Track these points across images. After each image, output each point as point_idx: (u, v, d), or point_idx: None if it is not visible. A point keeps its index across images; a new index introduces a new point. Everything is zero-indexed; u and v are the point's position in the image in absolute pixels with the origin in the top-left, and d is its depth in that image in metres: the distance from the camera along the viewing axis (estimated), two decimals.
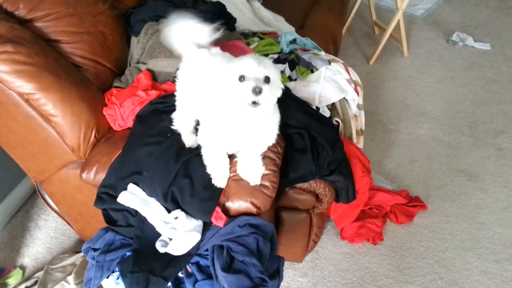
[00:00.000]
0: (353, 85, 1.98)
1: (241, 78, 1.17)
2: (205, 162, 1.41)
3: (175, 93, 1.53)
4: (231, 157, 1.46)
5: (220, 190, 1.42)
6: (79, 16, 1.74)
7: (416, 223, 2.12)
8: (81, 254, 1.96)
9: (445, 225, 2.10)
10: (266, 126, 1.33)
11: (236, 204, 1.43)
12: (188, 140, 1.52)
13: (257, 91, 1.14)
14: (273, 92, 1.20)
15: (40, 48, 1.56)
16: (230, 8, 2.20)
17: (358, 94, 2.00)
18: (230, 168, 1.46)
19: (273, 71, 1.21)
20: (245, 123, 1.28)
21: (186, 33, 1.42)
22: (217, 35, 1.43)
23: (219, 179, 1.41)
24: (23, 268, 2.05)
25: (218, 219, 1.40)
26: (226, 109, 1.26)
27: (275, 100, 1.25)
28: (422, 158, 2.47)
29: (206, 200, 1.39)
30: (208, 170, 1.41)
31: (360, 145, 2.01)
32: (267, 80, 1.18)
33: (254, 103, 1.16)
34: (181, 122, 1.54)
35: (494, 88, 2.97)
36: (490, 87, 2.98)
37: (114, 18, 1.92)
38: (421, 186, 2.30)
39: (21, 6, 1.61)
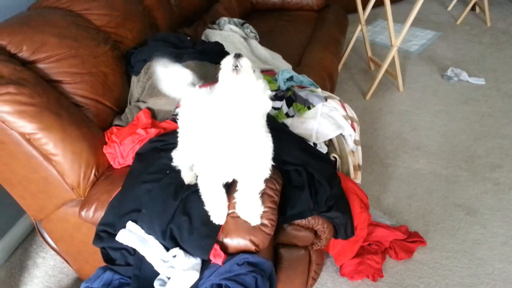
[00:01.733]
0: (349, 121, 2.01)
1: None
2: (203, 198, 1.42)
3: (178, 130, 1.56)
4: (230, 195, 1.47)
5: (218, 227, 1.42)
6: (81, 58, 1.79)
7: (416, 259, 2.11)
8: None
9: (444, 261, 2.09)
10: (258, 149, 1.33)
11: (235, 242, 1.43)
12: (187, 177, 1.54)
13: (237, 55, 1.21)
14: (257, 76, 1.25)
15: (42, 89, 1.60)
16: (228, 47, 2.26)
17: (354, 130, 2.03)
18: (229, 205, 1.46)
19: (260, 77, 1.27)
20: (237, 140, 1.29)
21: (173, 77, 1.48)
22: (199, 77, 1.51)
23: (218, 215, 1.42)
24: None
25: (217, 257, 1.40)
26: (218, 124, 1.29)
27: (261, 108, 1.28)
28: (420, 192, 2.48)
29: (204, 237, 1.40)
30: (206, 207, 1.42)
31: (358, 181, 2.03)
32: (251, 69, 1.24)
33: (236, 67, 1.20)
34: (181, 158, 1.56)
35: (490, 122, 3.01)
36: (486, 121, 3.01)
37: (115, 58, 1.97)
38: (420, 221, 2.30)
39: (24, 48, 1.66)
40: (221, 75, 1.25)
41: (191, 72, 1.50)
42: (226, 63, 1.23)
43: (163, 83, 1.49)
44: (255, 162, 1.36)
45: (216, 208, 1.42)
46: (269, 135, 1.37)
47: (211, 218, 1.42)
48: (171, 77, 1.48)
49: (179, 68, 1.49)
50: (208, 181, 1.40)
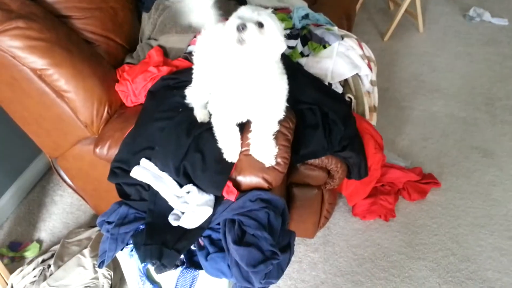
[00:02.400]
0: (366, 61, 1.95)
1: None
2: (216, 136, 1.41)
3: (193, 67, 1.52)
4: (243, 133, 1.46)
5: (231, 164, 1.42)
6: None
7: (429, 200, 2.11)
8: (96, 228, 2.00)
9: (458, 202, 2.09)
10: (273, 91, 1.31)
11: (248, 179, 1.43)
12: (201, 115, 1.53)
13: (240, 27, 1.13)
14: (267, 38, 1.17)
15: (52, 23, 1.56)
16: None
17: (371, 70, 1.97)
18: (242, 143, 1.46)
19: (271, 21, 1.17)
20: (251, 83, 1.26)
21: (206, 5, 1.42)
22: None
23: (231, 153, 1.42)
24: (40, 242, 2.09)
25: (230, 193, 1.41)
26: (232, 67, 1.25)
27: (273, 51, 1.22)
28: (436, 135, 2.44)
29: (217, 174, 1.40)
30: (220, 145, 1.42)
31: (373, 122, 2.00)
32: (259, 25, 1.15)
33: (240, 40, 1.15)
34: (195, 95, 1.54)
35: (511, 64, 2.91)
36: (508, 64, 2.92)
37: None
38: (434, 163, 2.28)
39: None
40: (227, 38, 1.18)
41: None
42: (230, 33, 1.15)
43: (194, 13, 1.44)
44: (269, 103, 1.34)
45: (229, 146, 1.42)
46: (285, 76, 1.33)
47: (224, 156, 1.41)
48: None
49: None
50: (222, 120, 1.39)
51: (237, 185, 1.45)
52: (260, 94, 1.30)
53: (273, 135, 1.44)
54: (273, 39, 1.18)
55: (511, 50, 3.04)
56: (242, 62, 1.24)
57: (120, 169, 1.54)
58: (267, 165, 1.43)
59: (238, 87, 1.29)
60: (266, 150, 1.43)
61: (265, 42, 1.17)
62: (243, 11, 1.17)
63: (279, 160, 1.44)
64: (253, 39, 1.15)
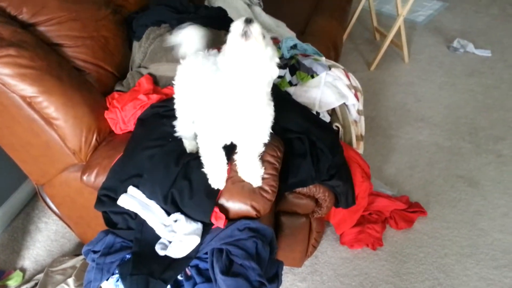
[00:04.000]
0: (353, 91, 1.99)
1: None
2: (203, 160, 1.41)
3: (174, 96, 1.54)
4: (230, 160, 1.46)
5: (217, 190, 1.43)
6: (81, 21, 1.76)
7: (416, 229, 2.12)
8: (81, 256, 1.97)
9: (444, 231, 2.10)
10: (260, 115, 1.32)
11: (236, 206, 1.44)
12: (189, 145, 1.54)
13: (248, 20, 1.15)
14: (267, 43, 1.20)
15: (43, 52, 1.57)
16: (231, 14, 2.21)
17: (358, 99, 2.01)
18: (229, 169, 1.46)
19: (270, 43, 1.22)
20: (241, 105, 1.27)
21: (197, 37, 1.46)
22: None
23: (216, 179, 1.42)
24: (23, 270, 2.05)
25: (218, 219, 1.41)
26: (224, 88, 1.27)
27: (267, 76, 1.25)
28: (422, 163, 2.48)
29: (204, 200, 1.40)
30: (206, 170, 1.42)
31: (360, 151, 2.02)
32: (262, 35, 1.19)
33: (246, 34, 1.16)
34: (182, 127, 1.55)
35: (495, 94, 2.98)
36: (491, 94, 2.99)
37: (116, 23, 1.93)
38: (421, 191, 2.30)
39: (25, 10, 1.63)
40: (229, 39, 1.21)
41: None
42: (236, 27, 1.18)
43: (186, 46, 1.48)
44: (255, 127, 1.35)
45: (215, 172, 1.42)
46: (272, 103, 1.35)
47: (210, 182, 1.42)
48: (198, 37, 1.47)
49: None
50: (208, 142, 1.39)
51: (225, 212, 1.45)
52: (247, 117, 1.31)
53: (259, 156, 1.45)
54: (269, 56, 1.22)
55: (494, 81, 3.11)
56: (235, 83, 1.25)
57: (107, 197, 1.53)
58: (254, 185, 1.44)
59: (227, 108, 1.29)
60: (253, 171, 1.44)
61: (263, 53, 1.20)
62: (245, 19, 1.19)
63: (267, 188, 1.45)
64: (257, 35, 1.17)
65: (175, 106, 1.54)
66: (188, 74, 1.45)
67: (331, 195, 1.67)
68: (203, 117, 1.37)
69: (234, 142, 1.42)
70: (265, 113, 1.33)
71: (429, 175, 2.40)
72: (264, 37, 1.20)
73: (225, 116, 1.30)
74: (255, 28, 1.17)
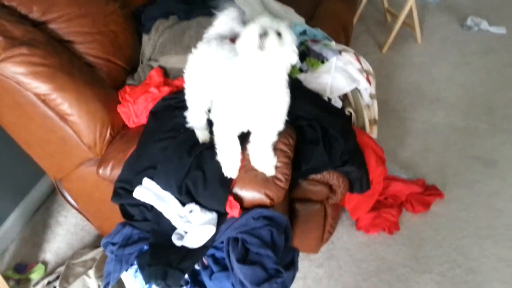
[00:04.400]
0: (364, 75, 1.97)
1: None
2: (217, 149, 1.42)
3: (184, 86, 1.55)
4: (243, 150, 1.47)
5: (231, 179, 1.44)
6: (90, 17, 1.78)
7: (433, 211, 2.11)
8: (101, 248, 2.00)
9: (462, 213, 2.09)
10: (277, 102, 1.33)
11: (250, 195, 1.45)
12: (202, 135, 1.55)
13: (263, 34, 1.16)
14: (284, 47, 1.20)
15: (54, 49, 1.59)
16: (239, 2, 2.20)
17: (370, 83, 1.99)
18: (243, 159, 1.47)
19: (287, 32, 1.21)
20: (259, 92, 1.28)
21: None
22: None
23: (230, 168, 1.43)
24: (45, 263, 2.10)
25: (233, 208, 1.42)
26: (241, 80, 1.28)
27: (288, 61, 1.25)
28: (437, 146, 2.45)
29: (218, 189, 1.42)
30: (219, 159, 1.43)
31: (374, 135, 2.01)
32: (278, 34, 1.19)
33: (260, 47, 1.17)
34: (194, 118, 1.56)
35: (510, 72, 2.92)
36: (506, 72, 2.93)
37: (124, 17, 1.94)
38: (437, 174, 2.28)
39: (35, 9, 1.65)
40: (244, 47, 1.21)
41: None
42: (250, 40, 1.18)
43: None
44: (272, 114, 1.35)
45: (229, 160, 1.43)
46: (288, 90, 1.35)
47: (223, 171, 1.43)
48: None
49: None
50: (224, 129, 1.40)
51: (239, 201, 1.46)
52: (265, 104, 1.32)
53: (272, 145, 1.46)
54: (288, 50, 1.22)
55: (510, 59, 3.05)
56: (255, 71, 1.26)
57: (123, 190, 1.56)
58: (268, 174, 1.45)
59: (244, 97, 1.30)
60: (266, 160, 1.45)
61: (282, 52, 1.20)
62: (263, 21, 1.20)
63: (280, 176, 1.46)
64: (273, 46, 1.18)
65: (185, 97, 1.55)
66: (201, 62, 1.45)
67: (345, 181, 1.67)
68: (220, 104, 1.38)
69: (250, 130, 1.42)
70: (282, 100, 1.34)
71: (445, 157, 2.38)
72: (280, 35, 1.19)
73: (243, 102, 1.31)
74: (270, 40, 1.17)
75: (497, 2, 3.70)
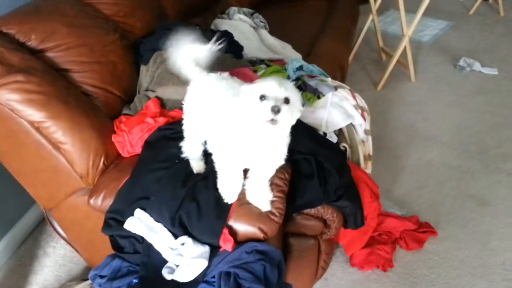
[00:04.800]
0: (359, 111, 1.99)
1: (262, 98, 1.20)
2: (219, 175, 1.42)
3: (183, 117, 1.55)
4: None
5: (228, 210, 1.42)
6: (89, 46, 1.79)
7: (426, 249, 2.09)
8: (89, 281, 1.95)
9: (455, 252, 2.07)
10: (279, 143, 1.34)
11: (244, 228, 1.43)
12: (197, 166, 1.54)
13: (276, 110, 1.17)
14: (292, 112, 1.22)
15: (51, 77, 1.60)
16: (237, 37, 2.24)
17: (365, 119, 2.01)
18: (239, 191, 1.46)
19: (293, 92, 1.23)
20: (261, 138, 1.29)
21: (189, 56, 1.48)
22: (216, 47, 1.49)
23: (230, 193, 1.42)
24: None
25: (226, 242, 1.40)
26: (244, 125, 1.28)
27: (294, 121, 1.26)
28: (431, 183, 2.45)
29: (214, 220, 1.40)
30: (219, 185, 1.42)
31: (368, 171, 2.01)
32: (286, 101, 1.20)
33: (273, 120, 1.18)
34: (189, 148, 1.56)
35: (503, 112, 2.96)
36: (499, 112, 2.97)
37: (123, 47, 1.96)
38: (431, 211, 2.27)
39: (33, 37, 1.66)
40: (256, 121, 1.22)
41: (208, 44, 1.50)
42: (265, 114, 1.18)
43: (180, 63, 1.49)
44: (273, 153, 1.36)
45: (229, 186, 1.42)
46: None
47: (223, 196, 1.42)
48: (187, 56, 1.48)
49: (199, 46, 1.50)
50: (226, 165, 1.40)
51: (233, 235, 1.44)
52: (265, 147, 1.32)
53: (269, 180, 1.45)
54: (296, 110, 1.24)
55: (502, 99, 3.10)
56: (263, 135, 1.28)
57: (114, 220, 1.53)
58: (263, 210, 1.43)
59: (245, 141, 1.31)
60: (262, 196, 1.44)
61: (291, 116, 1.22)
62: (270, 86, 1.20)
63: (274, 210, 1.44)
64: (285, 120, 1.20)
65: (183, 126, 1.55)
66: (200, 93, 1.46)
67: (340, 216, 1.66)
68: (219, 141, 1.38)
69: (249, 167, 1.42)
70: (283, 141, 1.35)
71: (439, 194, 2.37)
72: (289, 101, 1.21)
73: (243, 144, 1.31)
74: (283, 117, 1.18)
75: (489, 44, 3.79)
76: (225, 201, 1.41)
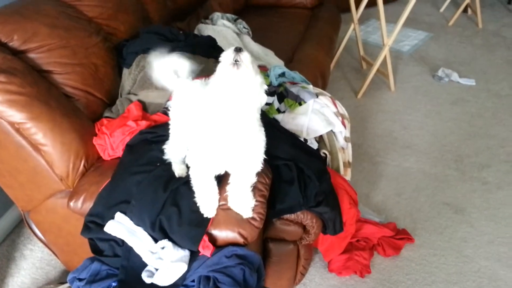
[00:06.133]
0: (340, 118, 2.02)
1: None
2: (194, 189, 1.42)
3: (169, 122, 1.56)
4: (221, 187, 1.47)
5: (208, 219, 1.42)
6: (71, 48, 1.79)
7: (404, 255, 2.12)
8: (67, 284, 1.93)
9: (432, 258, 2.11)
10: (252, 143, 1.34)
11: (224, 234, 1.43)
12: (178, 169, 1.54)
13: (238, 49, 1.21)
14: (255, 71, 1.25)
15: (32, 78, 1.59)
16: (220, 42, 2.26)
17: (345, 127, 2.04)
18: (220, 197, 1.47)
19: (255, 66, 1.26)
20: (231, 135, 1.30)
21: (168, 68, 1.49)
22: (198, 66, 1.51)
23: (207, 208, 1.42)
24: None
25: (206, 248, 1.40)
26: (216, 117, 1.29)
27: (256, 103, 1.29)
28: (409, 190, 2.50)
29: (194, 228, 1.40)
30: (197, 199, 1.42)
31: (348, 177, 2.04)
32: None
33: (236, 62, 1.20)
34: (173, 151, 1.56)
35: (479, 122, 3.04)
36: (475, 122, 3.04)
37: (106, 50, 1.96)
38: (408, 218, 2.32)
39: (15, 37, 1.65)
40: (220, 68, 1.25)
41: (189, 62, 1.50)
42: (226, 56, 1.22)
43: (157, 74, 1.49)
44: (248, 155, 1.37)
45: (206, 201, 1.42)
46: (262, 129, 1.37)
47: (201, 210, 1.42)
48: (166, 67, 1.49)
49: (176, 58, 1.50)
50: (200, 173, 1.40)
51: (212, 240, 1.44)
52: (239, 145, 1.33)
53: (251, 187, 1.46)
54: (259, 83, 1.26)
55: (478, 109, 3.18)
56: (225, 112, 1.28)
57: (94, 223, 1.52)
58: (245, 216, 1.44)
59: (218, 138, 1.31)
60: (244, 202, 1.44)
61: (253, 79, 1.24)
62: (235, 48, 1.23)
63: (255, 215, 1.45)
64: (247, 63, 1.21)
65: (170, 129, 1.55)
66: (185, 99, 1.47)
67: (319, 221, 1.68)
68: (196, 145, 1.39)
69: (228, 171, 1.43)
70: (257, 139, 1.35)
71: (416, 202, 2.42)
72: (253, 66, 1.23)
73: (216, 144, 1.32)
74: (246, 56, 1.21)
75: (467, 56, 3.89)
76: (204, 216, 1.42)
